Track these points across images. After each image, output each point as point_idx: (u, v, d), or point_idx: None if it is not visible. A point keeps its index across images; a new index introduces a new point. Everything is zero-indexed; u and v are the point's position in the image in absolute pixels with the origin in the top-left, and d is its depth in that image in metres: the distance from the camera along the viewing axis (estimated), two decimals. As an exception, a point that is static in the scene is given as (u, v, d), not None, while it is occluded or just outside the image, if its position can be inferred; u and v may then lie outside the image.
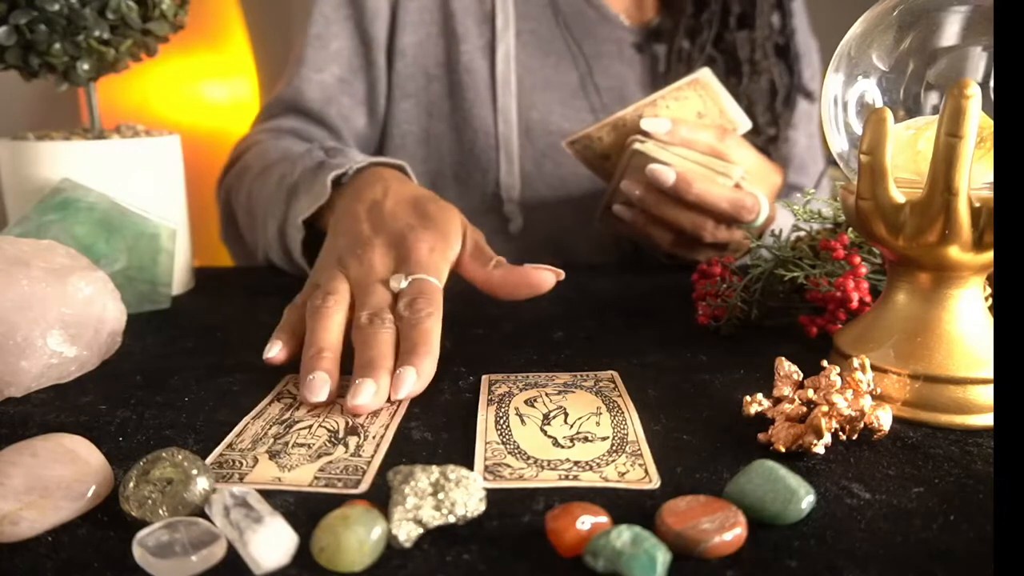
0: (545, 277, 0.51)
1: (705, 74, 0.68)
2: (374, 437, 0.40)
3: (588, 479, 0.36)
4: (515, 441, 0.39)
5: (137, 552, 0.29)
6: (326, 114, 0.86)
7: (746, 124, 0.70)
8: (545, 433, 0.40)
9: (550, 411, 0.43)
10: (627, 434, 0.40)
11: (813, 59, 0.99)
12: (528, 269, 0.52)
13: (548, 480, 0.35)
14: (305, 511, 0.33)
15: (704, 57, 0.87)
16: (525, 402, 0.44)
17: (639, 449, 0.38)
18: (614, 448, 0.38)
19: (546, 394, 0.45)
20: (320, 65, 0.86)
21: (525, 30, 0.86)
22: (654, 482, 0.35)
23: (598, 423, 0.41)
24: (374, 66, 0.87)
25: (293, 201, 0.64)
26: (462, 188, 0.87)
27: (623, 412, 0.42)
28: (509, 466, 0.37)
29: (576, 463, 0.37)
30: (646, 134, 0.67)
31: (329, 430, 0.41)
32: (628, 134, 0.70)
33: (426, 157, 0.88)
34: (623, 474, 0.36)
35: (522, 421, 0.41)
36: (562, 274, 0.52)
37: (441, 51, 0.86)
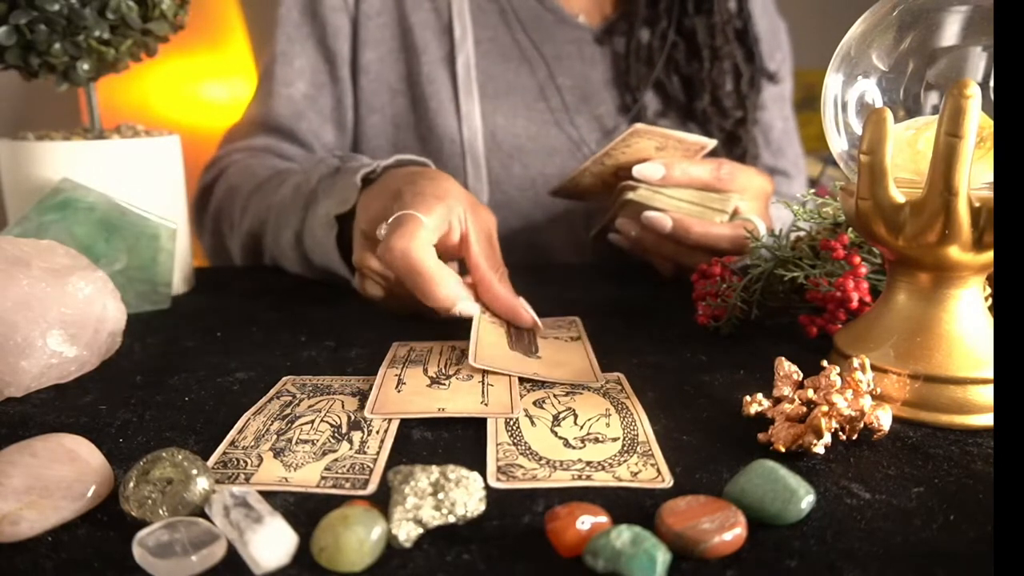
0: (526, 319, 0.54)
1: (639, 127, 0.65)
2: (378, 432, 0.40)
3: (601, 479, 0.36)
4: (526, 442, 0.39)
5: (137, 552, 0.29)
6: (297, 129, 0.87)
7: (711, 141, 0.68)
8: (555, 434, 0.40)
9: (559, 412, 0.42)
10: (637, 435, 0.40)
11: (782, 40, 0.99)
12: (519, 307, 0.54)
13: (561, 480, 0.35)
14: (305, 511, 0.33)
15: (666, 45, 0.87)
16: (534, 403, 0.44)
17: (650, 450, 0.38)
18: (625, 449, 0.38)
19: (554, 395, 0.45)
20: (288, 80, 0.87)
21: (484, 38, 0.87)
22: (667, 481, 0.35)
23: (607, 424, 0.41)
24: (340, 81, 0.87)
25: (313, 206, 0.65)
26: None
27: (632, 413, 0.42)
28: (521, 467, 0.37)
29: (588, 463, 0.37)
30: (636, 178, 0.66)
31: (331, 425, 0.41)
32: (603, 175, 0.69)
33: None
34: (636, 474, 0.36)
35: (532, 423, 0.41)
36: (540, 328, 0.54)
37: (403, 65, 0.87)
